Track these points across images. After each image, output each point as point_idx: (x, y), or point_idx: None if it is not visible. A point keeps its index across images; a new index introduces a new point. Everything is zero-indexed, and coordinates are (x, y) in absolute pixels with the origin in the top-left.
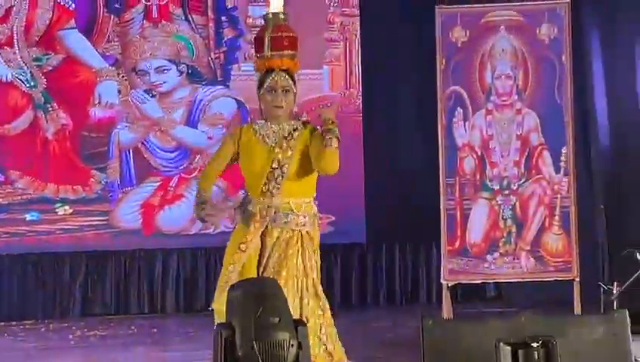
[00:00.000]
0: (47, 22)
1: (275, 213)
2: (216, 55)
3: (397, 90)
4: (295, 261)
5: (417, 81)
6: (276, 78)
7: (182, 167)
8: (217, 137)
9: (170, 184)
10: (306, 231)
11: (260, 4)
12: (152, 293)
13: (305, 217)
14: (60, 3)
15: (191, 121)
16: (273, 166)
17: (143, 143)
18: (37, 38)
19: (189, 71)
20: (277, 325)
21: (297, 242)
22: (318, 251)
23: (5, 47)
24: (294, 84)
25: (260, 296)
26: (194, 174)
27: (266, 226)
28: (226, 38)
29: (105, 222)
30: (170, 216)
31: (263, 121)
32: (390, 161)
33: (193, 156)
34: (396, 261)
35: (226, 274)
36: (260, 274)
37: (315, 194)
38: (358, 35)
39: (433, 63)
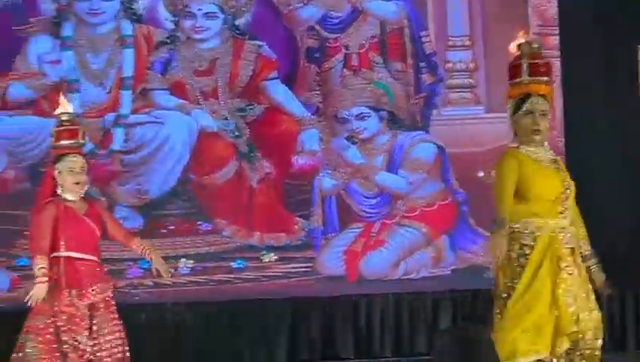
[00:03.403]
0: (251, 73)
1: (567, 234)
2: (416, 101)
3: (601, 130)
4: None
5: (621, 120)
6: (535, 102)
7: (384, 213)
8: (418, 182)
9: (373, 230)
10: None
11: (459, 49)
12: (358, 339)
13: None
14: (262, 54)
15: (392, 167)
16: (565, 187)
17: (344, 190)
18: (240, 89)
19: (389, 117)
20: None
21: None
22: None
23: (210, 99)
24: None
25: (466, 341)
26: (395, 220)
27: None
28: (425, 84)
29: (309, 269)
30: (373, 262)
31: (525, 146)
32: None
33: (394, 202)
34: None
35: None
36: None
37: None
38: (559, 77)
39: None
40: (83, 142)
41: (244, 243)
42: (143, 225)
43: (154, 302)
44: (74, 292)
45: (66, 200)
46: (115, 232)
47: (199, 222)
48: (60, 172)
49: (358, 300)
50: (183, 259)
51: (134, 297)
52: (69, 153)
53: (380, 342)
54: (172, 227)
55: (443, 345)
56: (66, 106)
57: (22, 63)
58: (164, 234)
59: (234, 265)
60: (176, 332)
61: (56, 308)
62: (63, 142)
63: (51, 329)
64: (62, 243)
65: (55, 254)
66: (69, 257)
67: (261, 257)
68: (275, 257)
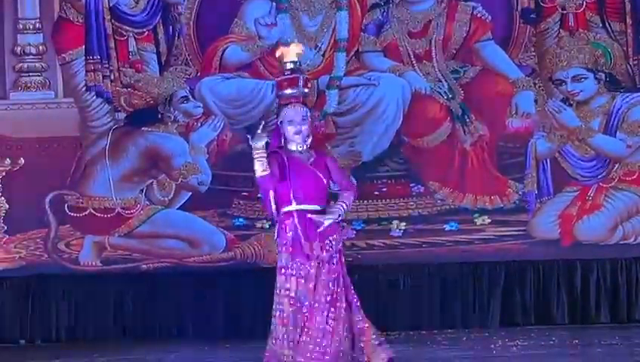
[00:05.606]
0: (464, 34)
1: None
2: (635, 61)
3: None
4: None
5: None
6: None
7: (600, 176)
8: (636, 145)
9: (589, 193)
10: None
11: None
12: (573, 304)
13: None
14: (477, 15)
15: (609, 130)
16: None
17: (559, 153)
18: (454, 51)
19: (607, 78)
20: None
21: None
22: None
23: (424, 61)
24: None
25: None
26: (612, 183)
27: None
28: None
29: (523, 232)
30: (589, 226)
31: None
32: None
33: (612, 165)
34: None
35: None
36: None
37: None
38: None
39: None
40: (306, 91)
41: (457, 206)
42: (356, 186)
43: (366, 264)
44: (315, 244)
45: (290, 150)
46: (337, 182)
47: (412, 184)
48: (281, 122)
49: (573, 265)
50: (395, 221)
51: (347, 258)
52: (289, 103)
53: (596, 308)
54: (384, 189)
55: None
56: (291, 55)
57: (239, 27)
58: (377, 196)
59: (447, 227)
60: (388, 292)
61: (300, 263)
62: (283, 92)
63: (301, 288)
64: (291, 196)
65: (287, 209)
66: (300, 210)
67: (474, 220)
68: (489, 220)
